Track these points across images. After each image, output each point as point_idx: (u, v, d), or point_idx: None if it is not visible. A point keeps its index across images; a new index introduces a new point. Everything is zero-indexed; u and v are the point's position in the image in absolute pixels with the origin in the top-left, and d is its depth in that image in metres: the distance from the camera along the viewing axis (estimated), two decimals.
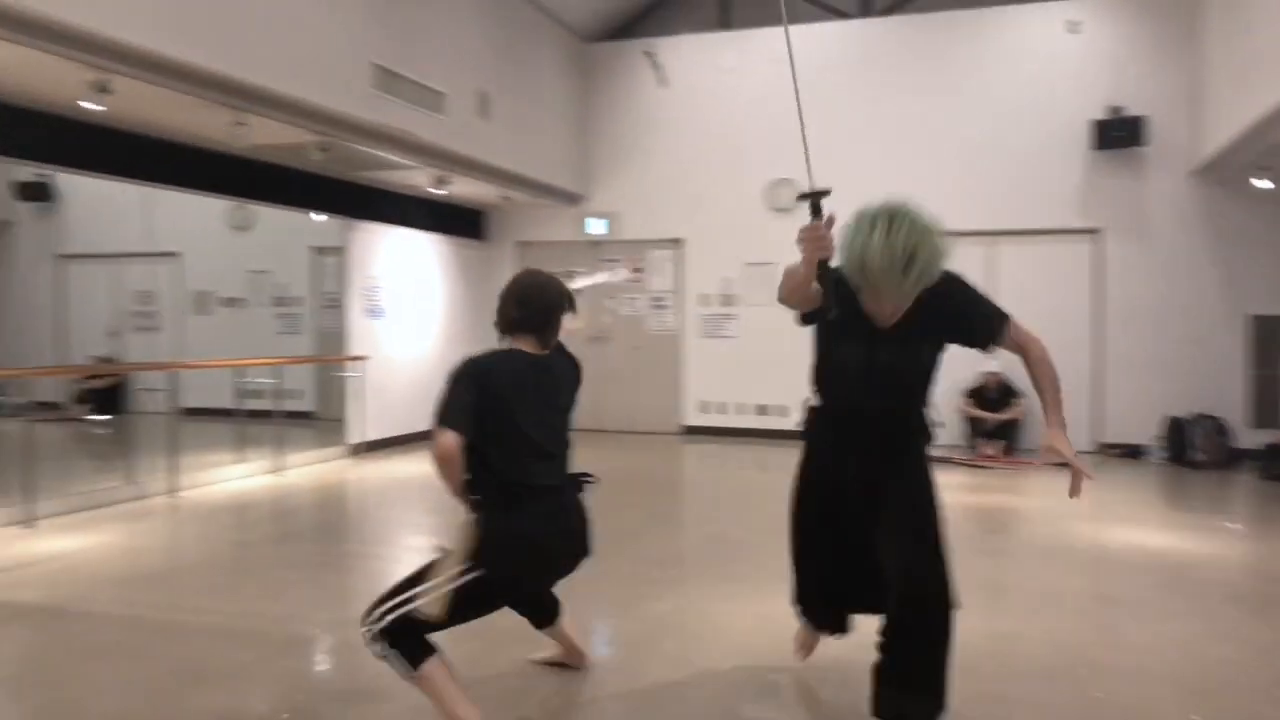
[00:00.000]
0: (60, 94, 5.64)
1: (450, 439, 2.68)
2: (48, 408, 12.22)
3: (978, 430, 9.32)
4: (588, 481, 3.03)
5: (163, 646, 3.87)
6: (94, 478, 8.25)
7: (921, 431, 3.01)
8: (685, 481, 8.67)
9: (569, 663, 3.56)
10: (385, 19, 7.36)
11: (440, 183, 8.82)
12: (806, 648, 3.51)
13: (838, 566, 3.10)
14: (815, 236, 2.52)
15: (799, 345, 11.40)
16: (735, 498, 7.53)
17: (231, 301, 12.53)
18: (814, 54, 10.38)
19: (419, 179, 8.96)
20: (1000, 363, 9.64)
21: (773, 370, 10.50)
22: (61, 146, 6.49)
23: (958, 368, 9.90)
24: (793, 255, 9.36)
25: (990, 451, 9.09)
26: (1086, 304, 9.69)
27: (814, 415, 3.12)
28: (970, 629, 4.20)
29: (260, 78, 6.07)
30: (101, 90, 5.32)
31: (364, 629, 2.80)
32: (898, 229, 2.69)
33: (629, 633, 4.08)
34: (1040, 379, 2.85)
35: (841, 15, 10.66)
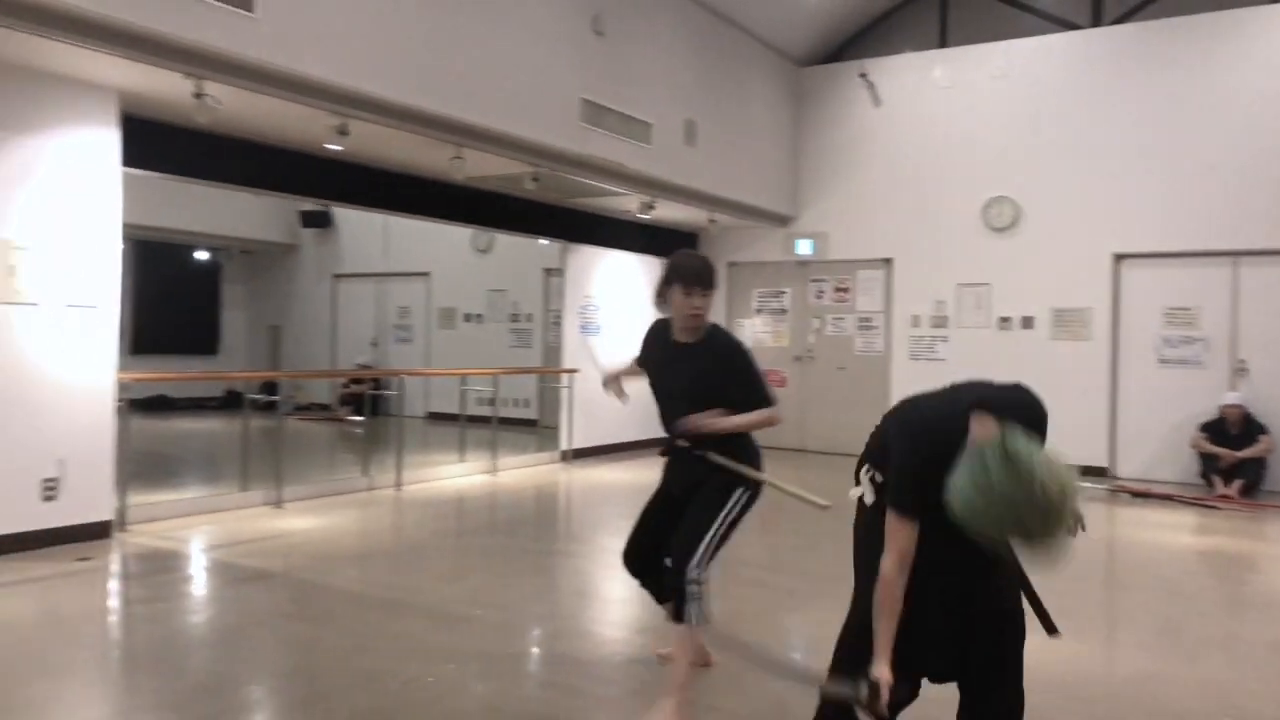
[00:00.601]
0: (314, 137, 6.62)
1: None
2: (319, 408, 14.00)
3: (1214, 468, 8.53)
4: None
5: (362, 614, 4.50)
6: (336, 469, 9.42)
7: None
8: None
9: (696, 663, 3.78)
10: (595, 57, 7.94)
11: (646, 208, 9.30)
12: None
13: None
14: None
15: (1014, 369, 11.06)
16: None
17: (472, 317, 13.76)
18: (1041, 67, 9.98)
19: (629, 204, 9.50)
20: (1242, 394, 8.78)
21: None
22: (316, 181, 7.56)
23: (1195, 400, 9.18)
24: (1008, 275, 9.42)
25: (1227, 491, 8.29)
26: None
27: None
28: (1114, 665, 4.01)
29: (477, 116, 6.79)
30: (341, 133, 6.20)
31: (692, 566, 3.18)
32: None
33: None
34: None
35: (1070, 26, 10.15)
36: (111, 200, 5.79)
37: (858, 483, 2.73)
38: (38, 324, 5.42)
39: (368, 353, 14.33)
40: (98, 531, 5.67)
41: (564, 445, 9.95)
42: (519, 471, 9.21)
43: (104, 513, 5.75)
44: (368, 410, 12.13)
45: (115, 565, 5.31)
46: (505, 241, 12.50)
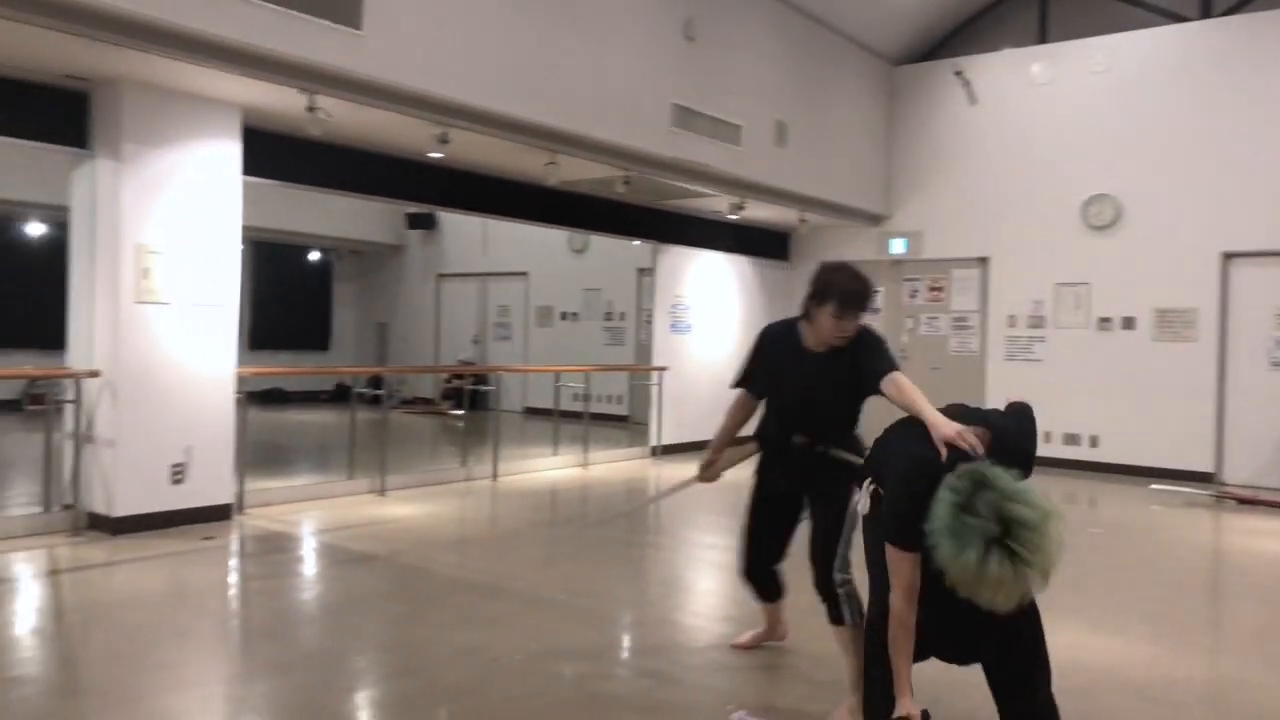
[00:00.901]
0: (416, 145, 6.99)
1: None
2: (423, 402, 14.57)
3: None
4: None
5: (459, 596, 4.79)
6: (437, 460, 9.84)
7: None
8: None
9: (773, 639, 3.95)
10: (686, 62, 8.11)
11: (736, 208, 9.43)
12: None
13: None
14: None
15: (1114, 371, 10.71)
16: None
17: (568, 316, 14.11)
18: (1146, 61, 9.72)
19: (719, 205, 9.64)
20: None
21: (1083, 397, 9.92)
22: (419, 186, 7.96)
23: None
24: (1109, 275, 9.32)
25: None
26: None
27: None
28: (1209, 671, 4.00)
29: (571, 123, 7.04)
30: (442, 141, 6.54)
31: (836, 570, 3.23)
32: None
33: None
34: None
35: (1178, 18, 9.84)
36: (233, 207, 6.26)
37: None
38: (169, 322, 5.91)
39: (469, 349, 14.84)
40: (219, 513, 6.14)
41: (653, 441, 10.16)
42: (609, 465, 9.47)
43: (225, 496, 6.23)
44: (468, 405, 12.59)
45: (235, 544, 5.75)
46: (600, 242, 12.78)
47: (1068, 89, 10.10)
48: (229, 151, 6.18)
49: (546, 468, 9.03)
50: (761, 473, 3.66)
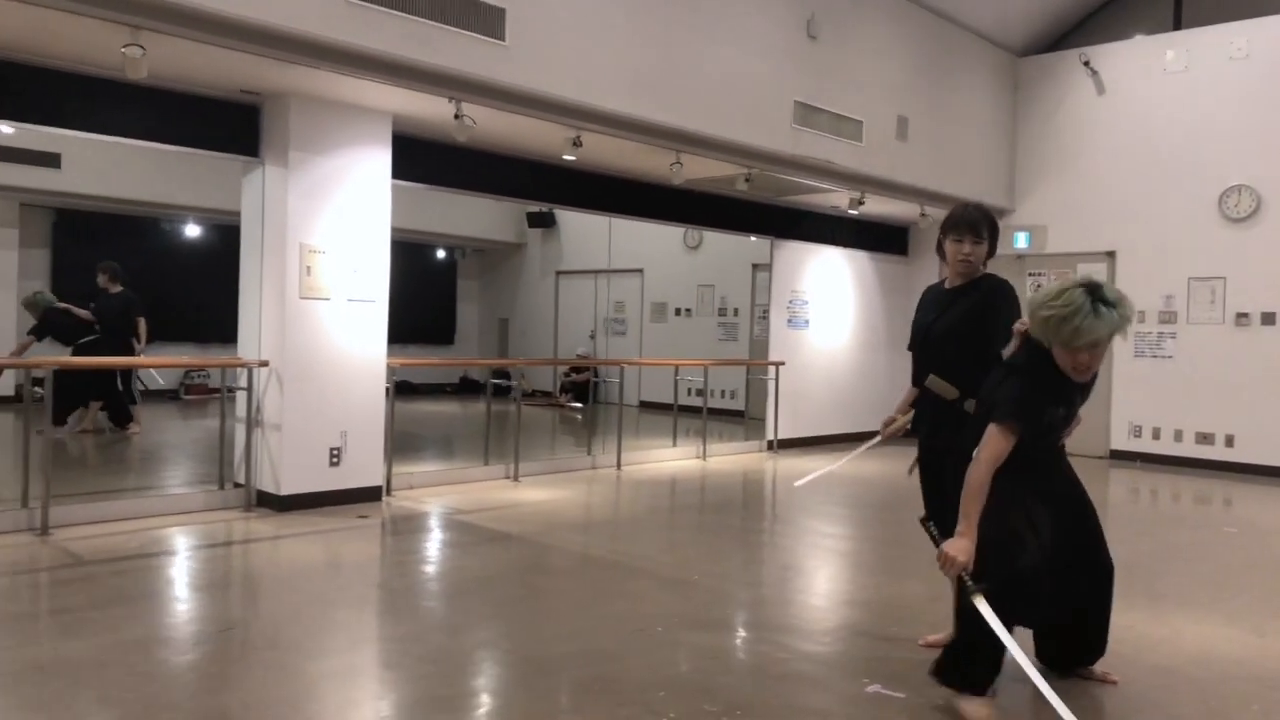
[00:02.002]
0: (549, 148, 7.34)
1: None
2: (542, 394, 15.07)
3: None
4: None
5: (594, 572, 5.09)
6: (563, 449, 10.23)
7: None
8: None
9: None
10: (808, 60, 8.24)
11: (856, 203, 9.49)
12: None
13: None
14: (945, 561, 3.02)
15: (1251, 368, 10.44)
16: (1161, 529, 7.25)
17: (682, 311, 14.36)
18: None
19: (838, 200, 9.72)
20: None
21: (1217, 395, 9.62)
22: (548, 186, 8.33)
23: None
24: (1246, 268, 9.29)
25: None
26: None
27: None
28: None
29: (696, 124, 7.28)
30: (576, 144, 6.86)
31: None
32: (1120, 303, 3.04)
33: None
34: None
35: None
36: (383, 209, 6.72)
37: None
38: (329, 316, 6.40)
39: (587, 344, 15.26)
40: (370, 494, 6.62)
41: (770, 435, 10.31)
42: (727, 458, 9.68)
43: (375, 478, 6.70)
44: (586, 397, 13.02)
45: (388, 523, 6.20)
46: (714, 239, 12.98)
47: (1204, 76, 9.80)
48: (381, 157, 6.65)
49: (666, 459, 9.30)
50: (914, 426, 3.78)
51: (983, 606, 2.98)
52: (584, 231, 15.12)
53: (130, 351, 8.96)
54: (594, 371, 13.38)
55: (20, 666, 3.42)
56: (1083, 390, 3.27)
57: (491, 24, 5.90)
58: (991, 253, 3.63)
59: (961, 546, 3.00)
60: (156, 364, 11.95)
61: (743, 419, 12.46)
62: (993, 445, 3.07)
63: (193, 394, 13.38)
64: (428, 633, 4.02)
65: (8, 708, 3.07)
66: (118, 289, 9.19)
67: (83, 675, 3.37)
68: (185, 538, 5.51)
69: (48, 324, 9.12)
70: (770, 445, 10.26)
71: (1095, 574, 3.40)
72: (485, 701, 3.34)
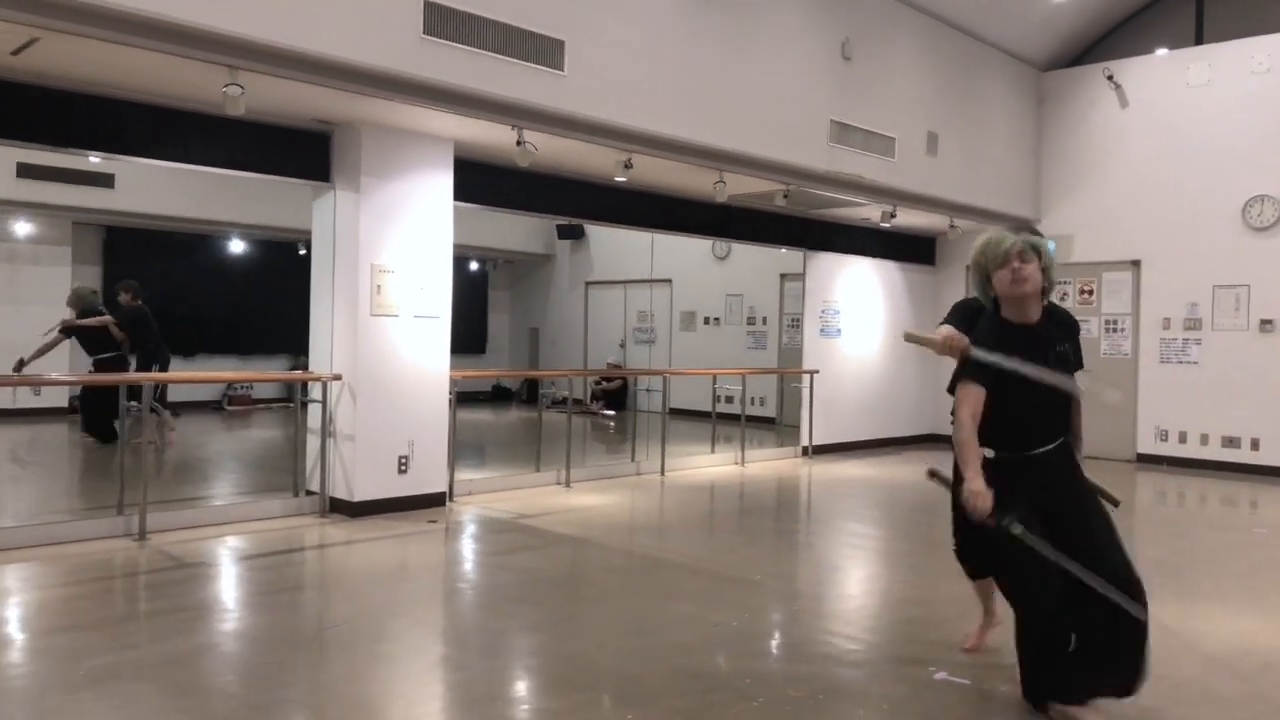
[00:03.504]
0: (600, 169, 7.69)
1: None
2: (574, 403, 15.40)
3: None
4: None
5: (662, 572, 5.42)
6: (607, 456, 10.56)
7: None
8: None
9: (988, 624, 4.11)
10: (842, 80, 8.56)
11: (888, 216, 9.80)
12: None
13: None
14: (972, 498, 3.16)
15: (1275, 374, 10.69)
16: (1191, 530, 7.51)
17: (711, 320, 14.68)
18: None
19: (870, 213, 10.03)
20: None
21: (1242, 400, 9.87)
22: (598, 206, 8.68)
23: None
24: (1270, 277, 9.69)
25: None
26: None
27: None
28: None
29: (739, 144, 7.60)
30: (627, 166, 7.20)
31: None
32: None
33: None
34: None
35: None
36: (446, 230, 7.07)
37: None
38: (398, 332, 6.76)
39: (617, 353, 15.59)
40: (436, 500, 6.96)
41: (804, 441, 10.62)
42: (763, 464, 9.98)
43: (440, 485, 7.04)
44: (619, 405, 13.35)
45: (456, 526, 6.53)
46: (742, 249, 13.30)
47: (1227, 90, 10.06)
48: (444, 181, 7.00)
49: (706, 465, 9.61)
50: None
51: (1022, 534, 3.12)
52: (612, 243, 15.46)
53: (144, 363, 9.25)
54: (623, 379, 13.69)
55: (159, 660, 3.76)
56: (1050, 343, 3.29)
57: (552, 56, 6.24)
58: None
59: (978, 486, 3.13)
60: (238, 378, 12.41)
61: (774, 425, 12.76)
62: (965, 401, 3.22)
63: (235, 405, 13.77)
64: (518, 630, 4.34)
65: (152, 694, 3.41)
66: (134, 304, 9.47)
67: (207, 665, 3.71)
68: (270, 542, 5.86)
69: (80, 329, 9.34)
70: (805, 451, 10.56)
71: (1105, 598, 3.14)
72: (589, 688, 3.66)
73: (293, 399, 7.56)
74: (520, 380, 16.73)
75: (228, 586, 5.02)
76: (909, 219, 10.40)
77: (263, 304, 13.67)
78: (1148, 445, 10.55)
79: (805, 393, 10.63)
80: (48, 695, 3.37)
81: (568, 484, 8.14)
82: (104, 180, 11.45)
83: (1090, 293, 11.07)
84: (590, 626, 4.40)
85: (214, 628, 4.22)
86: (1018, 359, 3.19)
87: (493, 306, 17.33)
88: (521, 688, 3.63)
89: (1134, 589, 3.16)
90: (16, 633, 4.12)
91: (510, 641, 4.12)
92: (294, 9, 5.06)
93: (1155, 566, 5.25)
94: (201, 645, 3.96)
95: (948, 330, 3.46)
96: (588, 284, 16.35)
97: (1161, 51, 10.64)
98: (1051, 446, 3.33)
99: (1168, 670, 3.81)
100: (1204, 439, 10.20)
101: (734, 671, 3.75)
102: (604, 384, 14.68)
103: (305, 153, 6.62)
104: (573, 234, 15.98)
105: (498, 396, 16.59)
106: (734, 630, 4.29)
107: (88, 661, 3.66)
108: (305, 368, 7.16)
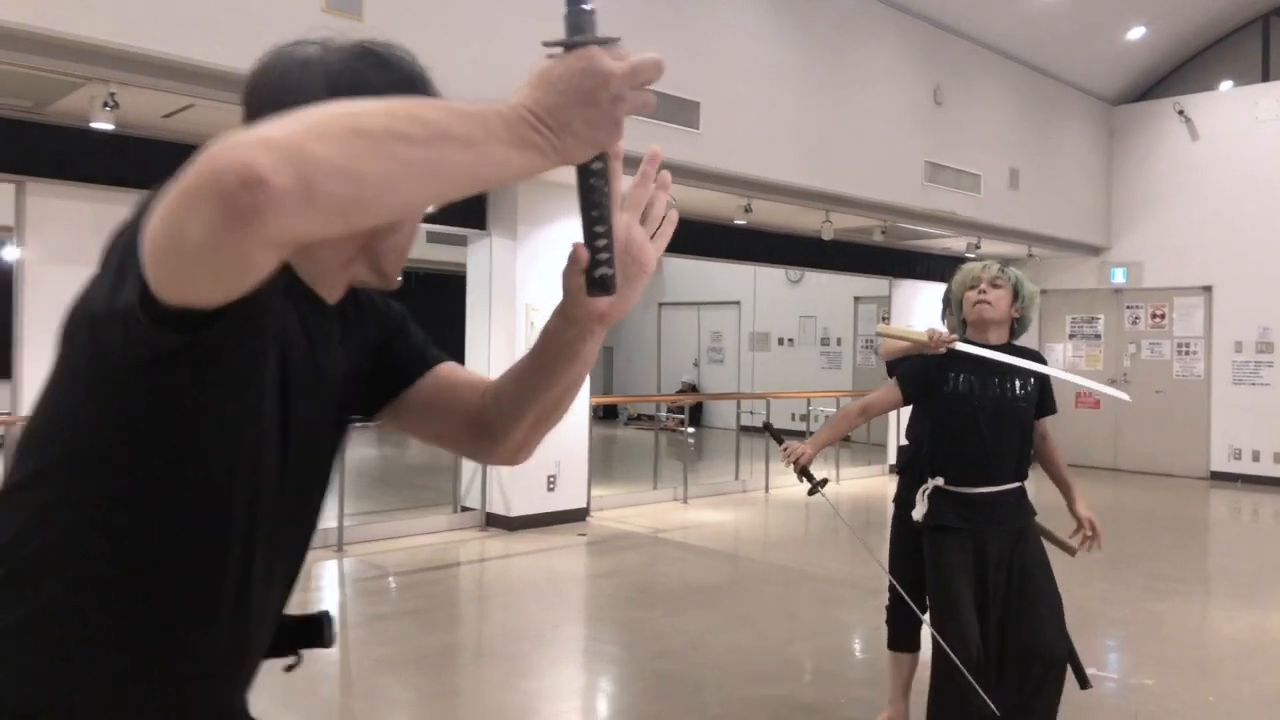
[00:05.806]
0: (721, 213, 8.40)
1: None
2: (650, 419, 16.08)
3: None
4: None
5: (799, 583, 6.06)
6: (715, 474, 11.21)
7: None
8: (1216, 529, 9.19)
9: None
10: (934, 123, 9.20)
11: (973, 248, 10.40)
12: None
13: None
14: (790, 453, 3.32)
15: None
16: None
17: (784, 341, 15.30)
18: None
19: (954, 243, 10.64)
20: None
21: None
22: (719, 245, 9.42)
23: None
24: None
25: None
26: None
27: None
28: None
29: (845, 187, 8.26)
30: (746, 210, 7.89)
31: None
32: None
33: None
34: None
35: None
36: None
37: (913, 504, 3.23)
38: None
39: (690, 372, 16.26)
40: (578, 515, 7.66)
41: (891, 460, 11.20)
42: (857, 481, 10.59)
43: (581, 501, 7.74)
44: (695, 422, 13.98)
45: (602, 540, 7.22)
46: (815, 274, 13.93)
47: None
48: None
49: (802, 483, 10.21)
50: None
51: (825, 496, 3.37)
52: (684, 266, 16.13)
53: None
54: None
55: (372, 662, 4.47)
56: (1004, 374, 3.11)
57: (689, 115, 6.94)
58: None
59: (805, 450, 3.30)
60: None
61: (849, 442, 13.33)
62: (874, 395, 3.36)
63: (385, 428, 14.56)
64: (697, 630, 5.01)
65: (395, 686, 4.11)
66: None
67: (432, 665, 4.40)
68: (447, 553, 6.58)
69: None
70: (892, 470, 11.15)
71: (1025, 665, 2.97)
72: (786, 679, 4.30)
73: None
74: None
75: (428, 593, 5.72)
76: (990, 248, 10.97)
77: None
78: (1221, 463, 11.02)
79: (892, 414, 11.19)
80: None
81: (685, 500, 8.80)
82: None
83: (1161, 316, 11.57)
84: (762, 633, 5.04)
85: (427, 632, 4.92)
86: (970, 376, 3.10)
87: None
88: (690, 682, 4.29)
89: (1070, 660, 3.01)
90: None
91: (687, 640, 4.78)
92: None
93: (1227, 578, 5.82)
94: (425, 647, 4.66)
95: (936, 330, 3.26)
96: (660, 305, 17.03)
97: (1226, 85, 11.16)
98: (999, 489, 3.08)
99: (1246, 670, 4.40)
100: (1277, 457, 10.66)
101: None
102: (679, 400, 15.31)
103: (464, 203, 7.36)
104: None
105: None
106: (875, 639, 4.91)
107: (371, 653, 4.37)
108: None
